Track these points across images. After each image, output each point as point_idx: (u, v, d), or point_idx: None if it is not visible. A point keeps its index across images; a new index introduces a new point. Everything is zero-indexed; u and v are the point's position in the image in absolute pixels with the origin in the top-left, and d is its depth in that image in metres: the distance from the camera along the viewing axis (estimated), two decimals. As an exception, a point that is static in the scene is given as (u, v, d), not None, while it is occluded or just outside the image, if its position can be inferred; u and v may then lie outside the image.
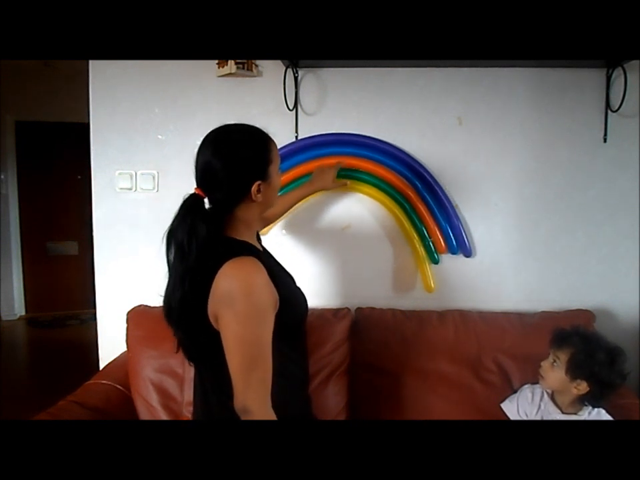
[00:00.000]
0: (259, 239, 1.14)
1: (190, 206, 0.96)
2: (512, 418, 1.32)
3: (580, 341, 1.20)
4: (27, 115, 4.21)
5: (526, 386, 1.35)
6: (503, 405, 1.36)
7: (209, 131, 1.01)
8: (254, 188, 0.96)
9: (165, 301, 1.00)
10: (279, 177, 1.06)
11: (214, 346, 0.92)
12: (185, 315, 0.95)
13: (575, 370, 1.18)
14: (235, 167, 0.96)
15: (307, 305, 1.09)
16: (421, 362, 1.46)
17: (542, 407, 1.27)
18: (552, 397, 1.27)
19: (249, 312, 0.89)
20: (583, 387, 1.18)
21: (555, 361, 1.22)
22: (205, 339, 0.94)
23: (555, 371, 1.21)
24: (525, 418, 1.29)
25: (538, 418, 1.26)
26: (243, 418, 0.89)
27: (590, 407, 1.22)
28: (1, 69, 3.41)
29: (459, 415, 1.38)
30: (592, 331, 1.35)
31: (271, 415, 0.90)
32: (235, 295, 0.89)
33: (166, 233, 0.95)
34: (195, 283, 0.92)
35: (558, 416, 1.23)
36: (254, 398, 0.89)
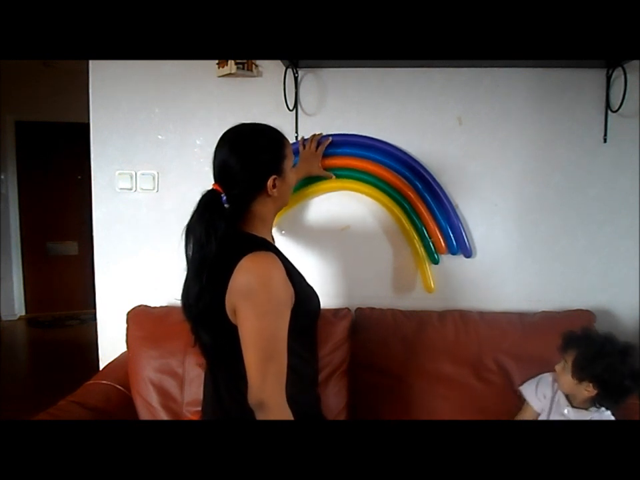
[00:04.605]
0: (272, 239, 1.15)
1: (208, 202, 0.98)
2: (528, 399, 1.30)
3: (584, 343, 1.19)
4: (27, 114, 4.21)
5: (547, 373, 1.33)
6: (521, 388, 1.34)
7: (223, 130, 1.04)
8: (269, 182, 0.99)
9: (183, 296, 1.02)
10: (293, 174, 1.09)
11: (231, 342, 0.93)
12: (202, 309, 0.96)
13: (579, 372, 1.17)
14: (251, 162, 0.99)
15: (319, 303, 1.10)
16: (421, 362, 1.45)
17: (556, 398, 1.25)
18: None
19: (267, 306, 0.91)
20: (591, 388, 1.17)
21: (565, 364, 1.21)
22: (223, 334, 0.95)
23: (564, 374, 1.21)
24: (542, 400, 1.27)
25: (550, 404, 1.25)
26: (258, 412, 0.89)
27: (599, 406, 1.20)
28: (1, 69, 3.41)
29: (459, 415, 1.38)
30: (600, 332, 1.31)
31: (286, 409, 0.90)
32: (254, 289, 0.91)
33: (184, 229, 0.98)
34: (212, 277, 0.94)
35: (566, 409, 1.22)
36: (270, 392, 0.89)
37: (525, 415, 1.31)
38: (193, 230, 0.96)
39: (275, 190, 1.01)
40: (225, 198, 0.98)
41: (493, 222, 1.63)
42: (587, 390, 1.17)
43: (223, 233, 0.95)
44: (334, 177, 1.59)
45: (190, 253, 0.98)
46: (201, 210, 0.97)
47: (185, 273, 1.01)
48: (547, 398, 1.27)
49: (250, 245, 0.96)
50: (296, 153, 1.52)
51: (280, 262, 0.95)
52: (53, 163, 4.38)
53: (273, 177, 1.00)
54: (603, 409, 1.20)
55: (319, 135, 1.58)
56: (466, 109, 1.60)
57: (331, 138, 1.57)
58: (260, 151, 1.00)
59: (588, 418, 1.20)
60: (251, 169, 0.99)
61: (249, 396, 0.90)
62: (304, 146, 1.57)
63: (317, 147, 1.56)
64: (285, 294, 0.94)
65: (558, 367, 1.24)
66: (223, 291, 0.93)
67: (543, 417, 1.27)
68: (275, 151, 1.02)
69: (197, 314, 0.99)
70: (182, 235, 0.98)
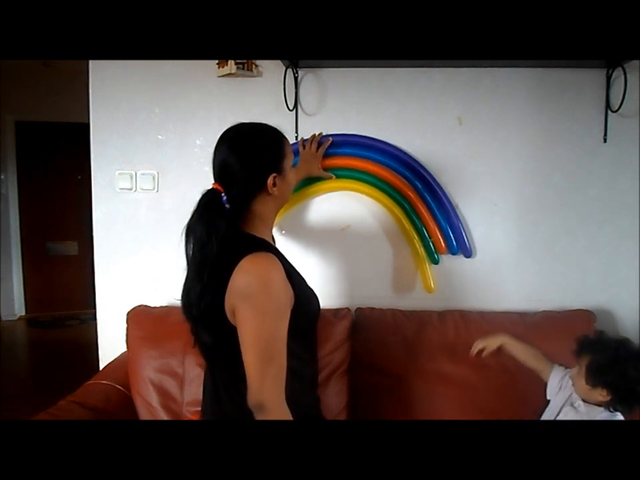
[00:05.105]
0: (272, 239, 1.15)
1: (208, 202, 0.97)
2: (551, 380, 1.29)
3: (597, 348, 1.17)
4: (27, 115, 4.21)
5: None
6: (554, 366, 1.32)
7: (222, 130, 1.04)
8: (270, 181, 0.99)
9: (183, 296, 1.01)
10: (293, 173, 1.09)
11: (230, 343, 0.93)
12: (204, 308, 0.96)
13: (592, 378, 1.15)
14: (251, 160, 0.99)
15: (319, 305, 1.10)
16: (421, 362, 1.45)
17: (572, 393, 1.24)
18: None
19: (267, 306, 0.91)
20: (605, 394, 1.15)
21: (579, 369, 1.19)
22: (222, 335, 0.95)
23: (579, 379, 1.19)
24: (560, 389, 1.27)
25: (568, 394, 1.24)
26: (257, 414, 0.89)
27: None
28: (1, 69, 3.41)
29: (459, 415, 1.38)
30: (615, 336, 1.26)
31: (285, 411, 0.90)
32: (253, 290, 0.90)
33: (184, 229, 0.98)
34: (213, 277, 0.93)
35: (578, 402, 1.21)
36: (270, 393, 0.89)
37: (541, 364, 1.32)
38: (194, 230, 0.96)
39: (275, 188, 1.00)
40: (225, 197, 0.98)
41: (493, 222, 1.63)
42: (601, 395, 1.15)
43: (224, 232, 0.94)
44: (334, 177, 1.59)
45: (190, 252, 0.98)
46: (201, 210, 0.97)
47: (185, 273, 1.01)
48: (566, 387, 1.26)
49: (250, 246, 0.95)
50: (296, 153, 1.52)
51: (279, 263, 0.95)
52: (53, 163, 4.38)
53: (273, 175, 1.00)
54: (618, 413, 1.18)
55: (319, 135, 1.58)
56: (466, 108, 1.60)
57: (331, 139, 1.57)
58: (259, 150, 1.00)
59: (598, 413, 1.18)
60: (250, 167, 0.99)
61: (249, 397, 0.90)
62: (304, 147, 1.57)
63: (317, 148, 1.56)
64: (285, 295, 0.94)
65: (574, 371, 1.22)
66: (223, 292, 0.93)
67: (553, 405, 1.27)
68: (274, 149, 1.02)
69: (197, 314, 0.98)
70: (182, 234, 0.98)
